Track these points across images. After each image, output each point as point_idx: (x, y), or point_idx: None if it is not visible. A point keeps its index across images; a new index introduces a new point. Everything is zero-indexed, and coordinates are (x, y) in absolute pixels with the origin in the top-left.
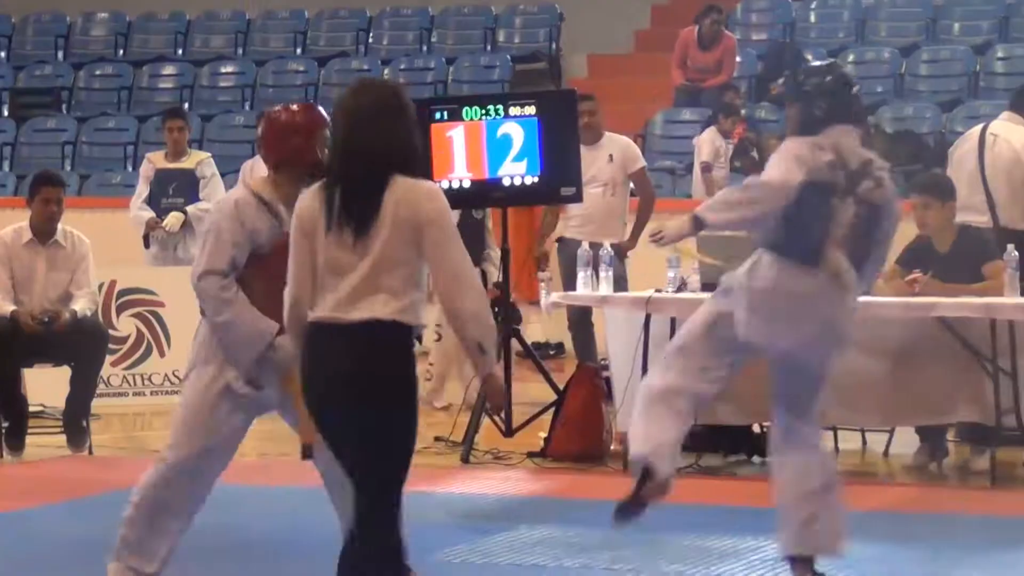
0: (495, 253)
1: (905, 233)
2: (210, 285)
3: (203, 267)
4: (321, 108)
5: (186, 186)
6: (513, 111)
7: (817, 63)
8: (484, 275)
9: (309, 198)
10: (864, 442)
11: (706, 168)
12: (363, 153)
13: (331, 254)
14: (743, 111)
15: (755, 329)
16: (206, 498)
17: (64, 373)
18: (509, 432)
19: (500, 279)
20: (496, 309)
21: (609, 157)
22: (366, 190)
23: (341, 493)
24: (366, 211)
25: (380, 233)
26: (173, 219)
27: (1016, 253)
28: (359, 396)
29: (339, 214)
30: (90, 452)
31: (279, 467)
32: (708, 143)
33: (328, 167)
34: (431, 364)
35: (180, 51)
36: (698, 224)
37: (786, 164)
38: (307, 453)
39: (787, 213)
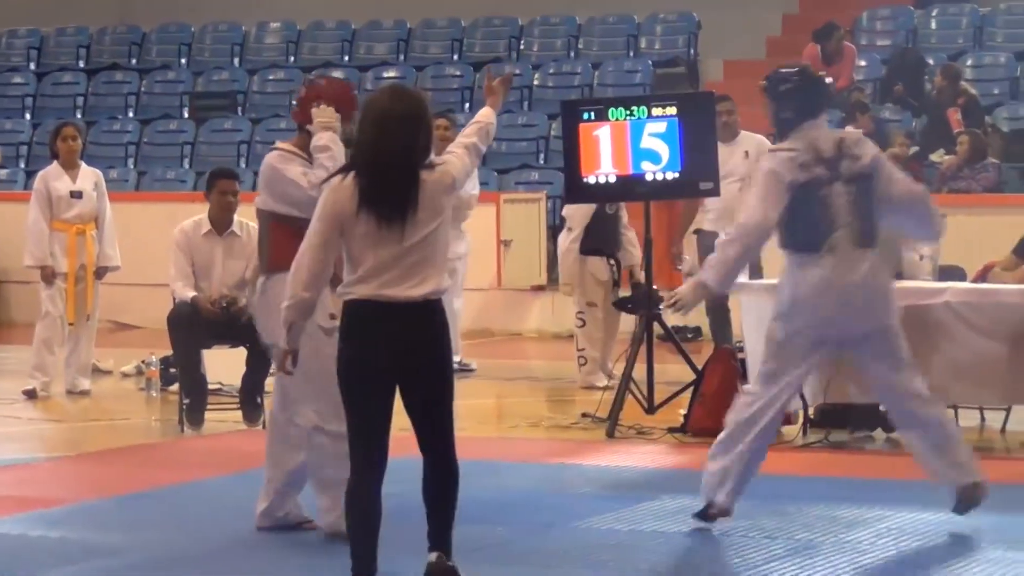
0: (631, 235)
1: (1019, 225)
2: None
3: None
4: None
5: None
6: (656, 112)
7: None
8: (618, 262)
9: (339, 187)
10: (983, 419)
11: None
12: (401, 149)
13: (371, 239)
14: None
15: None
16: None
17: (240, 354)
18: (651, 409)
19: (643, 264)
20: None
21: (745, 153)
22: (405, 181)
23: None
24: (406, 199)
25: (419, 219)
26: None
27: None
28: (439, 357)
29: (380, 201)
30: (263, 426)
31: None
32: None
33: (358, 158)
34: (581, 349)
35: (346, 57)
36: (705, 289)
37: (763, 193)
38: None
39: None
